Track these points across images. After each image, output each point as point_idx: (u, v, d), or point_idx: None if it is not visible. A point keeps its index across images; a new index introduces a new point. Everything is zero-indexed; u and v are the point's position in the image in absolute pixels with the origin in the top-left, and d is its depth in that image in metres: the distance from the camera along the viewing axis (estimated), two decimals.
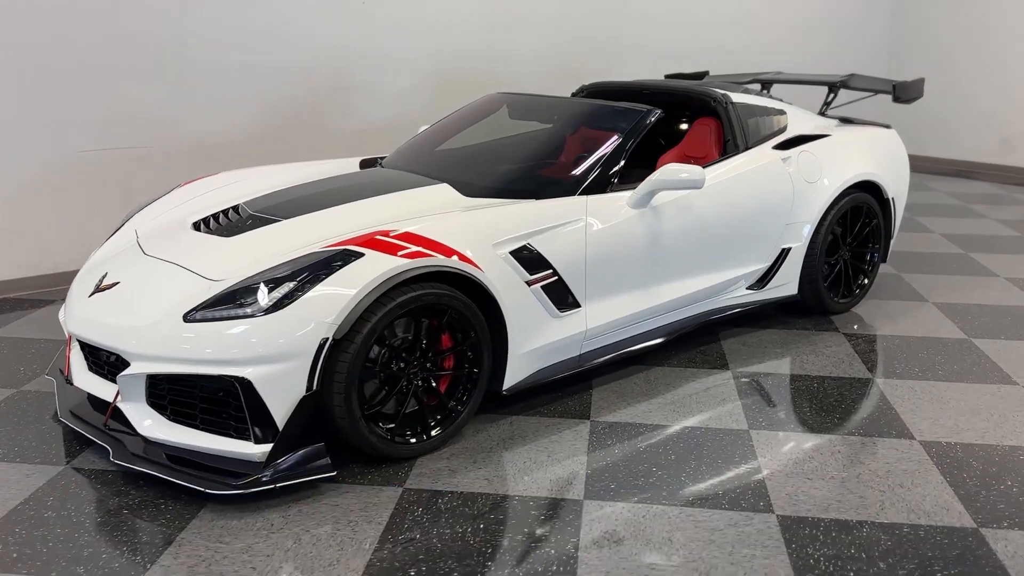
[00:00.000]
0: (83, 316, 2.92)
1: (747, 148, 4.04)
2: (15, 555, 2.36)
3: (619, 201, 3.42)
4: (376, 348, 2.76)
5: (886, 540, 2.48)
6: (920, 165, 8.96)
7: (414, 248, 2.81)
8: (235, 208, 3.37)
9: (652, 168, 3.76)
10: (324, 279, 2.66)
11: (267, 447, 2.60)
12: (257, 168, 4.02)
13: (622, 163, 3.52)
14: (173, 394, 2.69)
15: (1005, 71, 8.51)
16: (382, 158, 4.13)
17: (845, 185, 4.20)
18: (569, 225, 3.22)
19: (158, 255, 3.07)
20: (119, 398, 2.76)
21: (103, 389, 2.88)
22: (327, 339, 2.60)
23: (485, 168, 3.80)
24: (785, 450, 3.01)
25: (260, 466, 2.61)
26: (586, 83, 4.87)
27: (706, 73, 5.42)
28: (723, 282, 3.87)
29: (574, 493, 2.71)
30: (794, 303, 4.29)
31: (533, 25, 6.53)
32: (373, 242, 2.79)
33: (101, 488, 2.71)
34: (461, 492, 2.71)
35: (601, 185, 3.44)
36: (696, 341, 4.01)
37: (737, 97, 4.19)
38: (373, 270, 2.70)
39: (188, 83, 5.07)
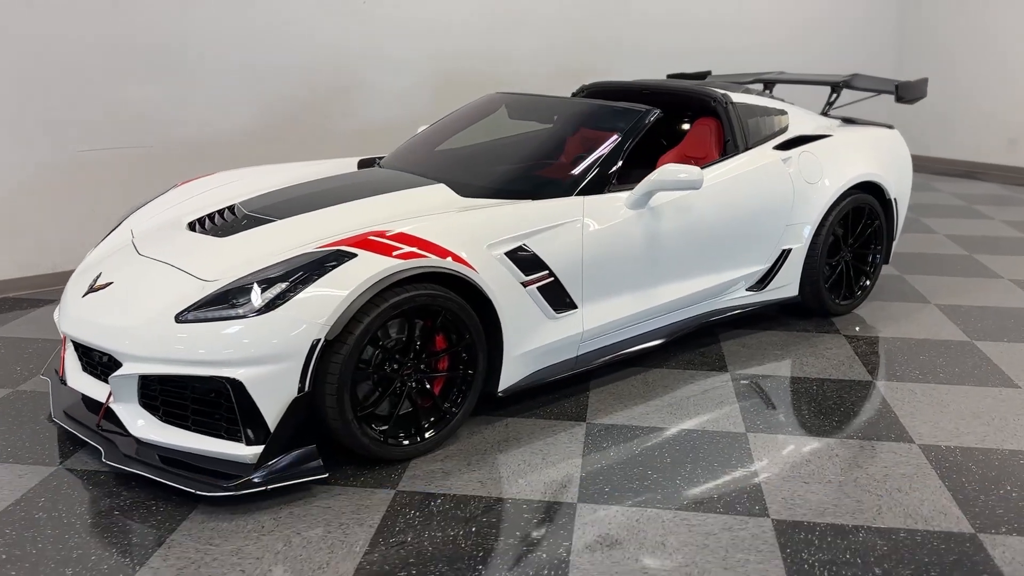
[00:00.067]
0: (76, 316, 2.91)
1: (747, 148, 4.01)
2: (4, 556, 2.35)
3: (617, 202, 3.40)
4: (370, 349, 2.75)
5: (882, 545, 2.45)
6: (926, 166, 8.92)
7: (408, 249, 2.79)
8: (231, 208, 3.36)
9: (653, 168, 3.73)
10: (317, 280, 2.64)
11: (258, 448, 2.59)
12: (254, 168, 4.01)
13: (620, 163, 3.50)
14: (165, 395, 2.68)
15: (1012, 71, 8.46)
16: (380, 158, 4.11)
17: (847, 186, 4.17)
18: (565, 226, 3.20)
19: (152, 255, 3.06)
20: (111, 399, 2.75)
21: (96, 390, 2.87)
22: (319, 340, 2.58)
23: (482, 168, 3.78)
24: (782, 453, 2.98)
25: (251, 468, 2.60)
26: (586, 83, 4.85)
27: (708, 73, 5.39)
28: (723, 283, 3.84)
29: (568, 496, 2.69)
30: (795, 304, 4.26)
31: (533, 25, 6.52)
32: (366, 243, 2.77)
33: (93, 489, 2.70)
34: (454, 495, 2.69)
35: (599, 185, 3.42)
36: (695, 342, 3.98)
37: (737, 97, 4.16)
38: (366, 271, 2.68)
39: (188, 83, 5.07)
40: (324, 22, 5.53)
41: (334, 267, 2.68)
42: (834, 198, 4.12)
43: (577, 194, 3.36)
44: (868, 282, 4.48)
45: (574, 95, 4.72)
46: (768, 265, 4.03)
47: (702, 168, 3.57)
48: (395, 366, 2.82)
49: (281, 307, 2.59)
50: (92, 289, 2.97)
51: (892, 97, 4.82)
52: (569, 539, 2.46)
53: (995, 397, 3.46)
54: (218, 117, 5.21)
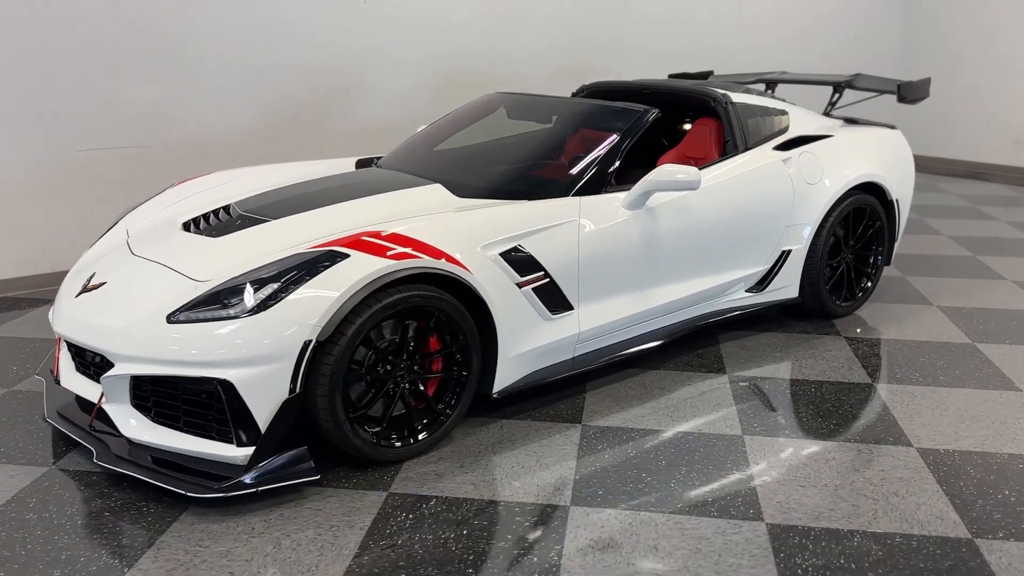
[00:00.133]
0: (70, 316, 2.91)
1: (747, 148, 3.98)
2: None
3: (614, 202, 3.38)
4: (363, 350, 2.73)
5: (877, 550, 2.42)
6: (931, 166, 8.87)
7: (401, 249, 2.77)
8: (226, 208, 3.35)
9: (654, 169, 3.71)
10: (309, 280, 2.63)
11: (249, 450, 2.57)
12: (251, 168, 4.00)
13: (617, 163, 3.47)
14: (157, 396, 2.67)
15: (1015, 71, 8.39)
16: (378, 158, 4.10)
17: (847, 186, 4.14)
18: (561, 226, 3.18)
19: (146, 255, 3.05)
20: (104, 399, 2.74)
21: (89, 390, 2.86)
22: (310, 341, 2.57)
23: (479, 169, 3.77)
24: (779, 457, 2.96)
25: (243, 469, 2.59)
26: (586, 83, 4.83)
27: (710, 73, 5.36)
28: (721, 284, 3.82)
29: (561, 499, 2.67)
30: (795, 306, 4.23)
31: (533, 25, 6.50)
32: (359, 243, 2.76)
33: (84, 490, 2.69)
34: (446, 497, 2.67)
35: (596, 186, 3.40)
36: (694, 344, 3.96)
37: (737, 97, 4.13)
38: (358, 271, 2.66)
39: (188, 83, 5.07)
40: (324, 22, 5.52)
41: (327, 267, 2.66)
42: (835, 199, 4.09)
43: (574, 194, 3.34)
44: (869, 283, 4.45)
45: (574, 95, 4.70)
46: (768, 266, 4.00)
47: (701, 168, 3.55)
48: (388, 367, 2.81)
49: (273, 307, 2.58)
50: (85, 289, 2.96)
51: (895, 97, 4.79)
52: (561, 542, 2.44)
53: (995, 400, 3.43)
54: (218, 117, 5.21)
